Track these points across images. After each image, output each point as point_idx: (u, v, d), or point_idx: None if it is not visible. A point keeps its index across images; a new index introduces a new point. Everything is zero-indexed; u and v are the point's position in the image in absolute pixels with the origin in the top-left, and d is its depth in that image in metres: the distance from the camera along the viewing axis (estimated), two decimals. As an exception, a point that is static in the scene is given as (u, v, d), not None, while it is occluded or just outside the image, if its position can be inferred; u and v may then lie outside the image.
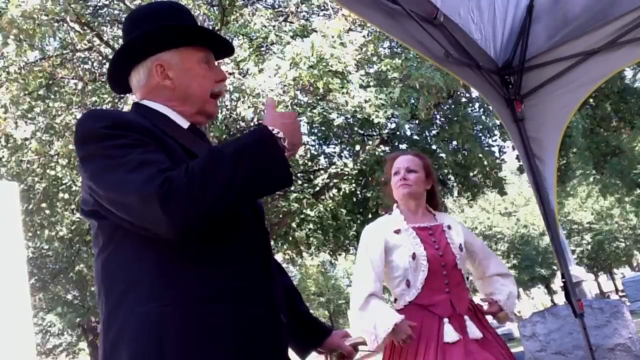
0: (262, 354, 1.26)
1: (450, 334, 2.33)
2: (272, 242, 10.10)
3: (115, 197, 1.21)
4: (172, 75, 1.43)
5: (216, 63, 1.53)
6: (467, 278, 2.60)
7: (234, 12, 8.80)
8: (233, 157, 1.20)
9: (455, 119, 10.35)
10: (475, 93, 9.89)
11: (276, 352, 1.31)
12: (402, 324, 2.33)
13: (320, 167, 10.83)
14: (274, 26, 8.61)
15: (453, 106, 10.54)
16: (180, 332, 1.17)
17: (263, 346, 1.26)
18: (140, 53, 1.45)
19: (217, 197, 1.17)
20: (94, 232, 1.33)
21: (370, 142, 10.62)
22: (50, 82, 9.01)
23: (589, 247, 29.95)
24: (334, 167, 10.16)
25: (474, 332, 2.39)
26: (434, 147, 10.85)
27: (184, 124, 1.44)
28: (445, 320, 2.36)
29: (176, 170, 1.18)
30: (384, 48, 9.83)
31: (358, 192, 10.63)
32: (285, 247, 10.94)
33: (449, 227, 2.62)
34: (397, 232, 2.52)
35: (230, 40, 1.66)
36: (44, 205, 9.06)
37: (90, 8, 9.07)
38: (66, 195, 9.10)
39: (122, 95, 7.99)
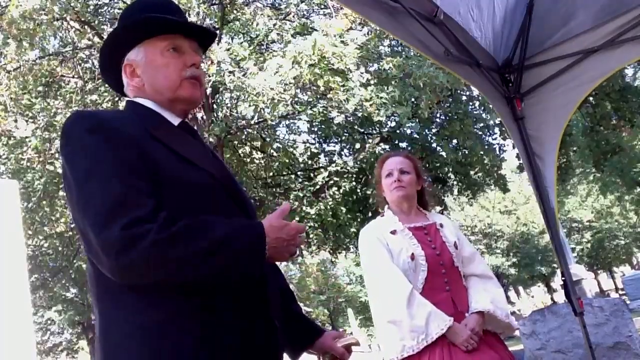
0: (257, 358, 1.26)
1: None
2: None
3: (77, 221, 1.21)
4: (139, 73, 1.42)
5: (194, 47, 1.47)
6: (464, 276, 2.58)
7: (234, 11, 8.80)
8: (214, 245, 1.18)
9: (456, 117, 10.35)
10: (475, 91, 9.89)
11: (270, 357, 1.31)
12: (456, 325, 2.27)
13: (321, 165, 10.83)
14: (274, 24, 8.61)
15: (453, 104, 10.54)
16: (178, 342, 1.16)
17: (258, 352, 1.26)
18: (112, 58, 1.45)
19: (173, 274, 1.16)
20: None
21: (370, 141, 10.62)
22: (50, 80, 9.01)
23: (589, 245, 29.95)
24: (334, 165, 10.16)
25: None
26: (434, 145, 10.85)
27: (174, 120, 1.41)
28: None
29: (152, 221, 1.15)
30: (385, 46, 9.83)
31: (358, 190, 10.63)
32: (285, 245, 10.91)
33: (442, 226, 2.60)
34: (393, 232, 2.50)
35: (196, 24, 1.61)
36: (43, 203, 9.07)
37: (91, 7, 9.06)
38: (66, 193, 9.10)
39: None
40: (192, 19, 7.31)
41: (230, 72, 7.64)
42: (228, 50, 7.68)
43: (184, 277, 1.17)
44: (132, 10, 1.47)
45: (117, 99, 8.31)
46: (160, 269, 1.14)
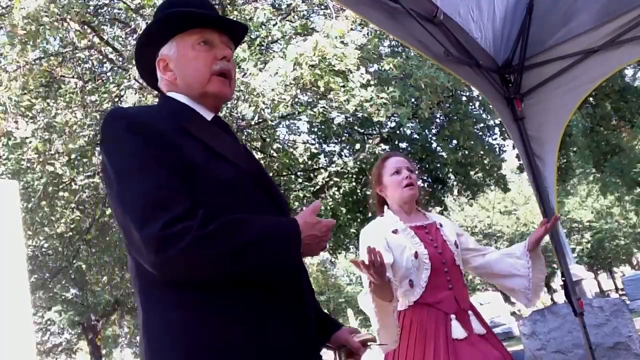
0: (291, 351, 1.27)
1: (458, 330, 2.32)
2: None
3: (118, 215, 1.24)
4: (172, 67, 1.44)
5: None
6: (466, 275, 2.59)
7: (235, 12, 8.79)
8: (251, 243, 1.20)
9: (456, 117, 10.35)
10: (475, 92, 9.89)
11: (306, 349, 1.32)
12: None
13: (321, 165, 10.83)
14: (274, 24, 8.60)
15: (453, 105, 10.54)
16: (212, 338, 1.18)
17: (294, 345, 1.27)
18: (147, 53, 1.47)
19: (212, 270, 1.19)
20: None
21: (370, 141, 10.62)
22: (50, 80, 9.00)
23: (589, 245, 29.93)
24: (334, 165, 10.16)
25: (478, 327, 2.39)
26: (434, 145, 10.85)
27: (208, 115, 1.43)
28: (452, 316, 2.35)
29: (192, 218, 1.17)
30: (385, 47, 9.82)
31: (358, 191, 10.63)
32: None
33: (441, 225, 2.61)
34: (395, 232, 2.49)
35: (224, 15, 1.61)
36: (43, 203, 9.06)
37: (91, 7, 9.06)
38: (66, 194, 9.10)
39: (121, 94, 7.98)
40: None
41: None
42: (228, 50, 7.64)
43: (220, 275, 1.20)
44: (165, 5, 1.49)
45: (117, 99, 8.30)
46: (198, 266, 1.17)
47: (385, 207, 2.64)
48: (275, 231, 1.25)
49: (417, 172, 2.71)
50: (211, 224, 1.18)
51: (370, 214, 10.08)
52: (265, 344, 1.22)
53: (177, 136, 1.29)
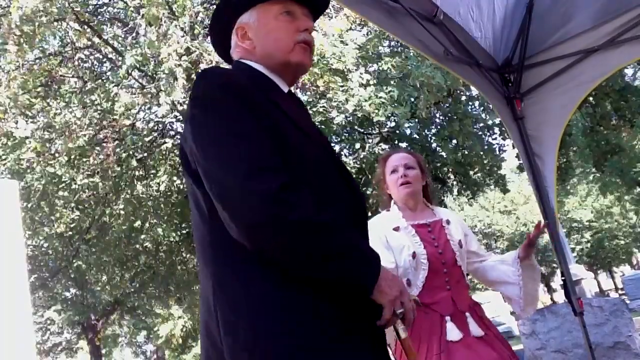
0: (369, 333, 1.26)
1: (453, 332, 2.30)
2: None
3: (213, 175, 1.19)
4: (251, 35, 1.42)
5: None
6: (467, 275, 2.58)
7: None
8: (349, 248, 1.20)
9: (455, 117, 10.35)
10: (475, 91, 9.88)
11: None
12: None
13: (320, 165, 10.81)
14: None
15: (453, 104, 10.54)
16: (295, 315, 1.16)
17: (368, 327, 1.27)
18: (225, 19, 1.46)
19: (299, 254, 1.16)
20: (194, 194, 1.29)
21: (370, 141, 10.61)
22: (50, 80, 9.00)
23: (589, 245, 29.94)
24: (333, 165, 10.13)
25: (475, 329, 2.37)
26: (433, 145, 10.84)
27: (284, 87, 1.41)
28: (447, 318, 2.34)
29: (300, 193, 1.16)
30: (384, 47, 9.82)
31: (358, 191, 10.63)
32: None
33: (448, 222, 2.59)
34: (396, 229, 2.49)
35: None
36: (43, 203, 9.06)
37: (90, 7, 9.06)
38: (66, 193, 9.09)
39: (117, 93, 7.97)
40: (187, 19, 7.29)
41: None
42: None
43: (302, 264, 1.17)
44: None
45: (116, 98, 8.30)
46: (288, 243, 1.14)
47: (392, 202, 2.64)
48: (365, 251, 1.24)
49: (424, 164, 2.70)
50: (324, 212, 1.17)
51: (370, 214, 10.06)
52: (348, 328, 1.20)
53: (266, 104, 1.28)
